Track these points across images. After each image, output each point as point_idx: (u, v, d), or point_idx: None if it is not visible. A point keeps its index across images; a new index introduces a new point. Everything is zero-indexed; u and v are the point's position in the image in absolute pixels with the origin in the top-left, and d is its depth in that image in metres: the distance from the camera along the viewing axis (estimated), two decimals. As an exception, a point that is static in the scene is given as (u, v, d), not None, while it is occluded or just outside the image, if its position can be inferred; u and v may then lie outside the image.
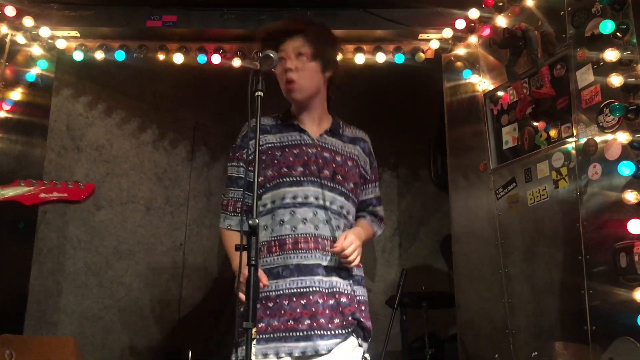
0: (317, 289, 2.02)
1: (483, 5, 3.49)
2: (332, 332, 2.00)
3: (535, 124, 3.14)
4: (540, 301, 2.98)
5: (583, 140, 2.76)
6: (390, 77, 4.24)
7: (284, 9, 3.78)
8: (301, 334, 1.98)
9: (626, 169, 2.45)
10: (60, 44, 3.84)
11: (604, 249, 2.58)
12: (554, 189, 2.95)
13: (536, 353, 2.92)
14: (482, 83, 3.55)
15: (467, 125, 3.66)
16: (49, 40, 3.82)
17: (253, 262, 1.68)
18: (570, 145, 2.86)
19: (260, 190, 2.10)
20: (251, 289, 1.66)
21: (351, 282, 2.12)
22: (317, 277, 2.03)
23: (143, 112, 4.81)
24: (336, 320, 2.01)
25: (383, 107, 4.91)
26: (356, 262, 2.08)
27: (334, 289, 2.05)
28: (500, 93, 3.42)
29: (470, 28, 3.64)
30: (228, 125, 5.15)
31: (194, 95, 4.89)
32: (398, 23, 3.74)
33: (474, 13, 3.53)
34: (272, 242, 2.08)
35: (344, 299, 2.07)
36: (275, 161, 2.11)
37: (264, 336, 1.99)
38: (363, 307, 2.14)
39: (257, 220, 1.70)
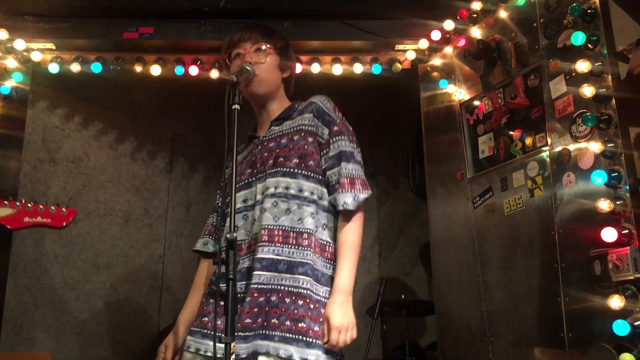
0: (257, 286, 1.88)
1: (458, 17, 3.55)
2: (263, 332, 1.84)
3: (511, 133, 3.19)
4: (518, 308, 3.01)
5: (557, 150, 2.81)
6: (368, 88, 4.27)
7: (260, 21, 3.79)
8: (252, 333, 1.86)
9: (599, 178, 2.50)
10: (36, 57, 3.81)
11: (579, 256, 2.62)
12: (530, 197, 2.99)
13: (515, 360, 2.95)
14: (458, 93, 3.59)
15: (444, 135, 3.70)
16: (24, 53, 3.78)
17: (231, 276, 1.68)
18: (545, 154, 2.91)
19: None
20: (229, 303, 1.65)
21: (299, 278, 1.89)
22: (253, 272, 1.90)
23: (120, 123, 4.78)
24: (273, 320, 1.84)
25: (361, 117, 4.89)
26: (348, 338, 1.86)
27: (271, 285, 1.89)
28: (476, 103, 3.47)
29: (446, 39, 3.69)
30: (206, 136, 5.15)
31: (172, 106, 4.88)
32: (374, 34, 3.78)
33: (449, 24, 3.58)
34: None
35: (287, 299, 1.86)
36: (239, 177, 2.11)
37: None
38: (302, 304, 1.86)
39: (234, 234, 1.70)
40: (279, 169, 1.99)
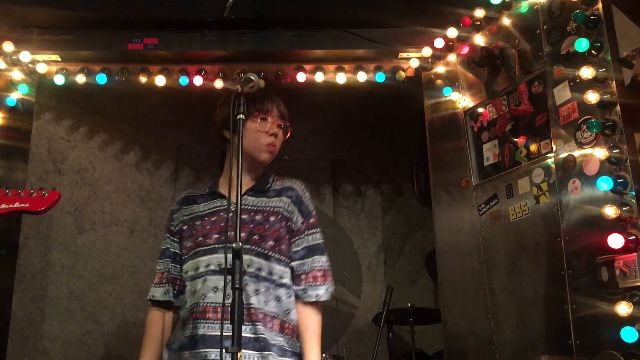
0: None
1: (461, 25, 3.55)
2: None
3: (515, 140, 3.18)
4: (525, 315, 3.00)
5: (562, 156, 2.81)
6: (372, 96, 4.28)
7: (264, 31, 3.81)
8: None
9: (604, 184, 2.49)
10: (41, 68, 3.83)
11: (586, 263, 2.61)
12: (535, 204, 2.98)
13: (522, 368, 2.94)
14: (462, 100, 3.60)
15: (448, 142, 3.70)
16: (30, 65, 3.81)
17: (237, 286, 1.68)
18: (550, 160, 2.90)
19: (183, 261, 2.09)
20: (236, 312, 1.65)
21: (269, 352, 1.93)
22: (214, 350, 1.90)
23: (125, 134, 4.80)
24: None
25: (365, 125, 4.95)
26: None
27: None
28: (480, 110, 3.47)
29: (449, 47, 3.70)
30: (211, 146, 5.13)
31: (176, 116, 4.90)
32: (378, 42, 3.79)
33: (452, 32, 3.59)
34: (186, 314, 2.01)
35: None
36: (194, 231, 2.07)
37: None
38: None
39: (240, 244, 1.70)
40: (252, 247, 1.98)
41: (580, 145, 2.70)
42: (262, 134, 2.08)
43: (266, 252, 2.00)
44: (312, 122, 4.99)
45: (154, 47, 3.78)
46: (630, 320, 2.34)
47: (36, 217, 4.26)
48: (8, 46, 3.64)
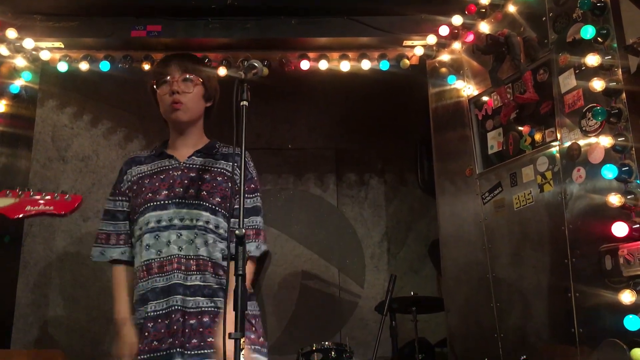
0: (179, 307, 2.02)
1: (466, 12, 3.52)
2: (190, 352, 1.99)
3: (520, 128, 3.17)
4: (528, 304, 2.99)
5: (567, 144, 2.79)
6: (376, 85, 4.26)
7: (268, 18, 3.79)
8: (163, 353, 1.99)
9: (609, 172, 2.48)
10: (44, 55, 3.82)
11: (590, 251, 2.61)
12: (539, 192, 2.97)
13: (525, 356, 2.93)
14: (466, 88, 3.58)
15: (453, 131, 3.68)
16: (33, 52, 3.80)
17: (240, 272, 1.68)
18: (555, 149, 2.89)
19: (133, 219, 2.18)
20: (239, 298, 1.66)
21: (217, 298, 2.08)
22: (179, 297, 2.03)
23: (129, 122, 4.79)
24: (194, 341, 2.01)
25: (369, 113, 4.93)
26: None
27: (198, 309, 2.05)
28: (484, 98, 3.45)
29: (454, 34, 3.67)
30: (214, 134, 5.15)
31: (180, 104, 4.88)
32: (382, 30, 3.76)
33: (457, 20, 3.56)
34: (141, 268, 2.11)
35: (206, 319, 2.05)
36: (143, 189, 2.16)
37: None
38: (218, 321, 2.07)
39: (243, 230, 1.70)
40: (201, 202, 2.11)
41: (585, 133, 2.69)
42: (164, 97, 2.18)
43: (213, 207, 2.12)
44: (315, 111, 4.98)
45: (158, 35, 3.76)
46: (633, 309, 2.34)
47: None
48: (11, 33, 3.63)
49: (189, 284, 2.05)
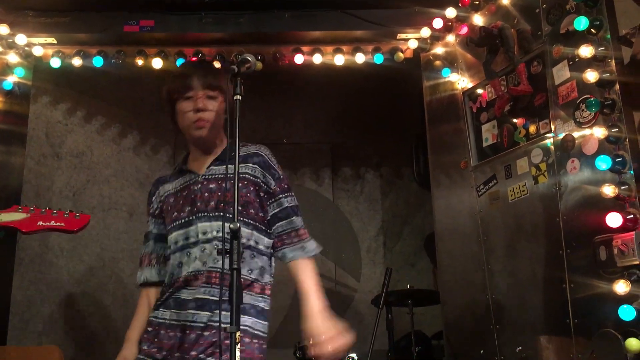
0: (190, 323, 2.00)
1: (460, 4, 3.52)
2: None
3: (514, 120, 3.17)
4: (523, 296, 3.00)
5: (561, 136, 2.80)
6: (370, 78, 4.25)
7: (262, 12, 3.78)
8: None
9: (603, 163, 2.48)
10: (37, 51, 3.81)
11: (584, 242, 2.61)
12: (534, 184, 2.98)
13: (520, 348, 2.95)
14: (461, 81, 3.58)
15: (447, 124, 3.68)
16: (26, 48, 3.79)
17: (235, 266, 1.68)
18: (549, 141, 2.89)
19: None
20: (234, 292, 1.65)
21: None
22: (190, 312, 2.00)
23: (123, 118, 4.78)
24: (192, 353, 1.97)
25: (364, 107, 4.93)
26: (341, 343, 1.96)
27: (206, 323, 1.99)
28: (479, 91, 3.45)
29: (448, 27, 3.67)
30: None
31: (174, 99, 4.86)
32: (376, 23, 3.76)
33: (451, 12, 3.56)
34: (168, 283, 2.10)
35: (192, 335, 1.99)
36: (169, 208, 2.15)
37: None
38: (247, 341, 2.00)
39: (237, 224, 1.70)
40: (220, 213, 2.04)
41: (579, 124, 2.69)
42: (187, 114, 2.09)
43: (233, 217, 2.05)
44: (310, 106, 4.97)
45: (151, 29, 3.75)
46: (628, 299, 2.36)
47: (34, 202, 4.26)
48: (3, 29, 3.61)
49: (206, 297, 2.01)
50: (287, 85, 4.63)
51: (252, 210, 2.08)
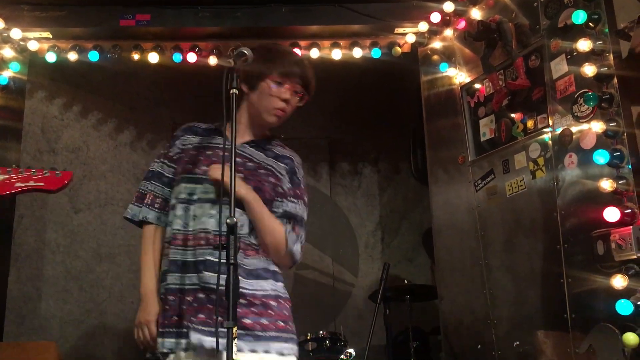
0: (198, 285, 1.95)
1: (457, -2, 3.51)
2: (199, 328, 1.91)
3: (512, 115, 3.16)
4: (521, 291, 3.00)
5: (559, 131, 2.79)
6: (368, 72, 4.24)
7: (259, 6, 3.76)
8: (183, 330, 1.93)
9: (601, 157, 2.48)
10: (32, 46, 3.78)
11: (582, 237, 2.61)
12: (532, 179, 2.97)
13: (518, 342, 2.95)
14: (458, 76, 3.56)
15: (445, 118, 3.67)
16: (21, 42, 3.76)
17: (232, 261, 1.67)
18: (547, 135, 2.89)
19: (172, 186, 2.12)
20: (231, 288, 1.64)
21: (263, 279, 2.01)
22: (200, 274, 1.95)
23: (119, 112, 4.76)
24: (200, 315, 1.92)
25: (362, 102, 4.91)
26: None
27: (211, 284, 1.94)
28: (476, 85, 3.44)
29: (446, 21, 3.65)
30: (206, 124, 5.13)
31: (170, 94, 4.85)
32: (374, 17, 3.74)
33: (448, 6, 3.54)
34: (170, 238, 2.05)
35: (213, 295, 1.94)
36: (186, 158, 2.09)
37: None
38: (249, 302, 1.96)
39: (235, 219, 1.69)
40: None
41: (577, 119, 2.68)
42: (273, 97, 2.07)
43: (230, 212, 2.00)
44: (308, 100, 4.95)
45: (147, 24, 3.73)
46: (625, 293, 2.35)
47: (31, 196, 4.25)
48: (-2, 23, 3.59)
49: (212, 259, 1.96)
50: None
51: (267, 196, 2.05)
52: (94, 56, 3.81)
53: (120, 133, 4.75)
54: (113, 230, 4.59)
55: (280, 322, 1.99)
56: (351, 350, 3.51)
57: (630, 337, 2.28)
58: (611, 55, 2.55)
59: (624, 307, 2.32)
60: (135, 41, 3.86)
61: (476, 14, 3.42)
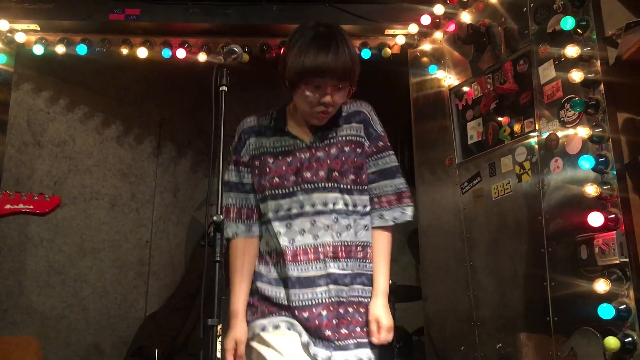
0: (320, 300, 1.90)
1: (448, 1, 3.53)
2: (341, 343, 1.89)
3: (500, 119, 3.19)
4: (505, 293, 3.02)
5: (545, 135, 2.81)
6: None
7: (249, 4, 3.75)
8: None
9: (586, 162, 2.50)
10: (20, 38, 3.74)
11: (566, 241, 2.64)
12: (518, 183, 2.99)
13: (501, 344, 2.97)
14: (447, 78, 3.58)
15: (433, 121, 3.69)
16: (8, 34, 3.72)
17: (218, 259, 1.67)
18: (533, 139, 2.91)
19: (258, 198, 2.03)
20: (216, 286, 1.64)
21: (358, 286, 1.98)
22: (319, 289, 1.90)
23: (107, 107, 4.72)
24: (343, 331, 1.90)
25: (350, 102, 4.91)
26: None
27: (339, 299, 1.92)
28: (465, 88, 3.46)
29: (436, 24, 3.67)
30: (194, 121, 5.11)
31: (159, 90, 4.83)
32: (364, 18, 3.75)
33: (439, 9, 3.56)
34: (271, 253, 1.98)
35: (350, 309, 1.93)
36: (268, 170, 1.99)
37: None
38: (364, 312, 1.97)
39: (221, 216, 1.69)
40: (334, 184, 1.95)
41: (564, 124, 2.71)
42: (312, 102, 1.93)
43: (348, 186, 1.96)
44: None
45: (136, 18, 3.70)
46: (607, 298, 2.37)
47: (14, 188, 4.19)
48: (-15, 14, 3.55)
49: (330, 272, 1.92)
50: (273, 81, 4.59)
51: (364, 176, 2.00)
52: (82, 49, 3.78)
53: (107, 127, 4.72)
54: (97, 225, 4.56)
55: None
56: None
57: (611, 341, 2.30)
58: (598, 62, 2.58)
59: (606, 312, 2.34)
60: (124, 36, 3.83)
61: (466, 17, 3.44)
